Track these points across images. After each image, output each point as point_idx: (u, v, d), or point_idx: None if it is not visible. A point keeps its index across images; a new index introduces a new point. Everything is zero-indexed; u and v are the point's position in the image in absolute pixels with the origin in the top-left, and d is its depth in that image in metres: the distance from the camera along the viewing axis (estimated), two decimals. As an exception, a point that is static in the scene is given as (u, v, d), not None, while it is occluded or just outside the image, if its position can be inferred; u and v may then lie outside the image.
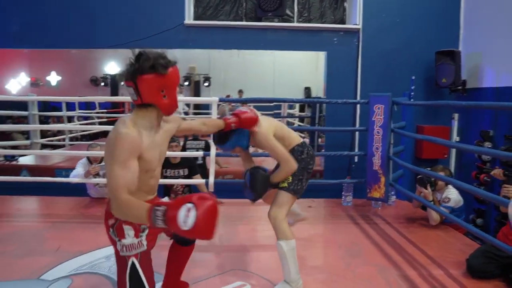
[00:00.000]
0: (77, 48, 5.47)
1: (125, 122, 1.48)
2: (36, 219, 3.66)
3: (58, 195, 4.22)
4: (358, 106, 4.97)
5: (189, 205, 1.27)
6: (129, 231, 1.53)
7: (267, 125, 2.28)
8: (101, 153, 3.94)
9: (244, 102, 5.62)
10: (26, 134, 7.06)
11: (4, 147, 5.97)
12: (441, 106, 5.00)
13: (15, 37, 4.86)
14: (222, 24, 5.16)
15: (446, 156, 4.98)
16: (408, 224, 3.45)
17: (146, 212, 1.32)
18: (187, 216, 1.26)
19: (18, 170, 5.52)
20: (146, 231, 1.56)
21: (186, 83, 12.05)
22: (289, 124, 8.35)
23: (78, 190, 4.22)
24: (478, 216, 4.44)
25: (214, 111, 3.88)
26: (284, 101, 5.14)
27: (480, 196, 3.68)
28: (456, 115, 4.93)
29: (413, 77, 4.00)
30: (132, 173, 1.43)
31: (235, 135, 2.19)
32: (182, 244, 2.01)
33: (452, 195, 3.29)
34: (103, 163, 3.78)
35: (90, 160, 3.98)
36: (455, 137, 4.97)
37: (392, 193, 3.99)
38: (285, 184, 2.29)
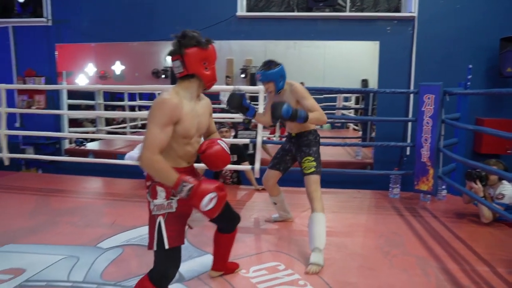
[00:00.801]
0: (136, 41, 5.84)
1: (169, 91, 1.69)
2: (98, 196, 4.03)
3: (118, 177, 4.61)
4: (412, 97, 4.80)
5: (213, 195, 1.59)
6: (161, 192, 1.69)
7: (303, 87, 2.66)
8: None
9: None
10: (94, 123, 7.70)
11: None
12: (496, 95, 4.63)
13: (84, 32, 5.35)
14: (273, 15, 5.23)
15: (509, 151, 4.63)
16: (457, 220, 3.30)
17: (174, 179, 1.58)
18: (209, 203, 1.59)
19: (86, 154, 6.05)
20: (179, 196, 1.67)
21: (243, 75, 12.30)
22: (344, 115, 8.22)
23: (136, 173, 4.56)
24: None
25: (260, 99, 4.00)
26: (331, 90, 5.08)
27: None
28: (522, 107, 4.57)
29: (470, 66, 3.77)
30: (166, 136, 1.62)
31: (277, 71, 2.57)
32: (225, 232, 2.13)
33: (507, 191, 3.08)
34: None
35: None
36: (521, 131, 4.60)
37: (443, 187, 3.82)
38: (313, 169, 2.60)
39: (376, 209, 3.60)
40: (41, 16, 5.51)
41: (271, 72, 2.56)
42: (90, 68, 7.32)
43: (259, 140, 4.00)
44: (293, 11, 5.41)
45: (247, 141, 4.23)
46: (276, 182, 2.96)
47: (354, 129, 8.57)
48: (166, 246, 1.67)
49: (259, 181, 4.13)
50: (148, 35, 5.29)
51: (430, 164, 3.59)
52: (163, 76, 12.37)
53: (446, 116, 3.65)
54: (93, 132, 7.29)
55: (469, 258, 2.57)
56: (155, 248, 1.69)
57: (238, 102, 2.58)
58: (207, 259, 2.44)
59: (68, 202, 3.66)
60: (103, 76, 10.80)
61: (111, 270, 2.32)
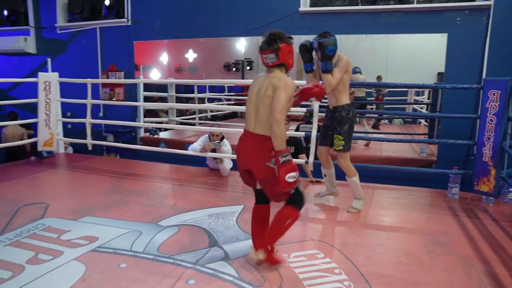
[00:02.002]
0: (203, 37, 6.20)
1: (282, 75, 2.21)
2: (164, 180, 4.43)
3: (185, 164, 5.00)
4: (482, 92, 4.50)
5: (296, 174, 2.07)
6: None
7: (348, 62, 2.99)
8: (221, 129, 4.53)
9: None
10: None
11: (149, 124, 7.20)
12: None
13: (157, 30, 5.84)
14: (335, 9, 5.22)
15: None
16: (520, 224, 3.10)
17: (285, 146, 2.08)
18: (290, 178, 2.05)
19: (158, 142, 6.61)
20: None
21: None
22: (414, 111, 7.85)
23: (199, 161, 4.93)
24: None
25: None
26: (387, 86, 4.95)
27: None
28: None
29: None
30: (289, 106, 2.17)
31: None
32: (262, 203, 2.39)
33: None
34: (217, 141, 4.35)
35: (210, 138, 4.55)
36: None
37: (510, 189, 3.57)
38: (341, 147, 3.09)
39: (430, 207, 3.51)
40: (123, 17, 6.13)
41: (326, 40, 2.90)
42: (166, 62, 7.91)
43: (313, 134, 4.09)
44: (357, 4, 5.34)
45: (302, 134, 4.35)
46: (328, 155, 3.35)
47: (425, 125, 8.17)
48: (301, 190, 2.27)
49: (314, 173, 4.23)
50: (214, 31, 5.63)
51: (492, 164, 3.38)
52: (234, 69, 12.88)
53: (515, 114, 3.40)
54: (166, 122, 7.90)
55: (524, 265, 2.44)
56: (292, 191, 2.23)
57: (310, 47, 2.97)
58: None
59: (138, 185, 4.11)
60: (178, 69, 11.58)
61: (166, 245, 2.62)
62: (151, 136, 6.73)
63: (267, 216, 2.40)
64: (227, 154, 4.38)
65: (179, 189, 4.08)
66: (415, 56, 10.85)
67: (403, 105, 8.06)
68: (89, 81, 5.00)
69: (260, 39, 5.80)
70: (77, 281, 2.16)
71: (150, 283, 2.13)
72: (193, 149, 4.49)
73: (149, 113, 8.17)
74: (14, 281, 2.16)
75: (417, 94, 8.90)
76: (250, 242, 2.66)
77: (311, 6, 5.46)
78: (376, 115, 7.51)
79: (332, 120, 3.15)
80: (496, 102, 3.32)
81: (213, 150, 4.40)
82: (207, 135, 4.56)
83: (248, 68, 11.32)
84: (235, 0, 5.52)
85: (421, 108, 8.50)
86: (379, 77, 10.11)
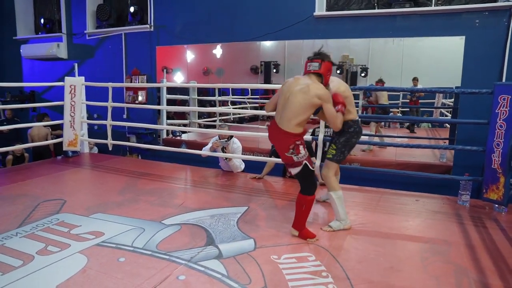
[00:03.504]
0: (221, 42, 6.35)
1: (316, 82, 2.71)
2: (176, 181, 4.59)
3: (202, 166, 5.14)
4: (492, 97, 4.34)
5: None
6: (302, 149, 2.70)
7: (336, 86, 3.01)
8: (230, 132, 4.63)
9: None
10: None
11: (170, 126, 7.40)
12: None
13: (178, 36, 6.05)
14: (349, 13, 5.23)
15: None
16: (529, 235, 2.98)
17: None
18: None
19: (180, 143, 6.82)
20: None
21: (338, 72, 12.11)
22: (442, 115, 7.63)
23: (216, 163, 5.06)
24: None
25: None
26: (394, 90, 4.91)
27: None
28: None
29: None
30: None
31: None
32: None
33: None
34: (224, 140, 4.47)
35: (219, 137, 4.64)
36: None
37: (523, 198, 3.44)
38: (331, 156, 3.05)
39: (435, 214, 3.44)
40: (146, 23, 6.39)
41: None
42: (194, 65, 8.06)
43: (320, 138, 4.11)
44: (374, 8, 5.31)
45: (309, 137, 4.37)
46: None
47: (453, 130, 7.89)
48: (312, 169, 2.76)
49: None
50: (231, 36, 5.77)
51: (501, 171, 3.28)
52: (260, 72, 12.99)
53: (528, 120, 3.27)
54: (186, 125, 8.08)
55: (523, 276, 2.36)
56: (306, 174, 2.75)
57: None
58: (248, 243, 2.73)
59: (151, 184, 4.29)
60: (206, 71, 11.83)
61: (165, 242, 2.74)
62: (173, 137, 6.96)
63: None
64: (237, 155, 4.50)
65: (189, 189, 4.22)
66: (445, 58, 10.51)
67: (430, 109, 7.84)
68: (110, 85, 5.27)
69: (286, 43, 6.11)
70: (78, 272, 2.32)
71: (143, 277, 2.26)
72: (206, 149, 4.65)
73: (177, 115, 8.40)
74: (23, 269, 2.35)
75: (445, 97, 8.63)
76: (246, 242, 2.75)
77: (328, 9, 5.48)
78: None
79: (334, 133, 3.15)
80: (506, 108, 3.22)
81: (223, 149, 4.54)
82: (217, 136, 4.69)
83: (274, 71, 11.41)
84: (251, 5, 5.63)
85: (449, 112, 8.21)
86: (415, 79, 9.84)
